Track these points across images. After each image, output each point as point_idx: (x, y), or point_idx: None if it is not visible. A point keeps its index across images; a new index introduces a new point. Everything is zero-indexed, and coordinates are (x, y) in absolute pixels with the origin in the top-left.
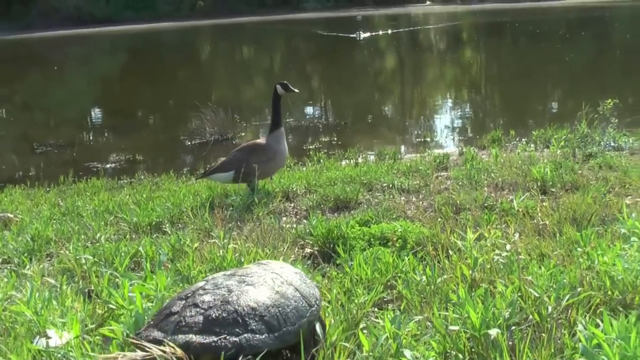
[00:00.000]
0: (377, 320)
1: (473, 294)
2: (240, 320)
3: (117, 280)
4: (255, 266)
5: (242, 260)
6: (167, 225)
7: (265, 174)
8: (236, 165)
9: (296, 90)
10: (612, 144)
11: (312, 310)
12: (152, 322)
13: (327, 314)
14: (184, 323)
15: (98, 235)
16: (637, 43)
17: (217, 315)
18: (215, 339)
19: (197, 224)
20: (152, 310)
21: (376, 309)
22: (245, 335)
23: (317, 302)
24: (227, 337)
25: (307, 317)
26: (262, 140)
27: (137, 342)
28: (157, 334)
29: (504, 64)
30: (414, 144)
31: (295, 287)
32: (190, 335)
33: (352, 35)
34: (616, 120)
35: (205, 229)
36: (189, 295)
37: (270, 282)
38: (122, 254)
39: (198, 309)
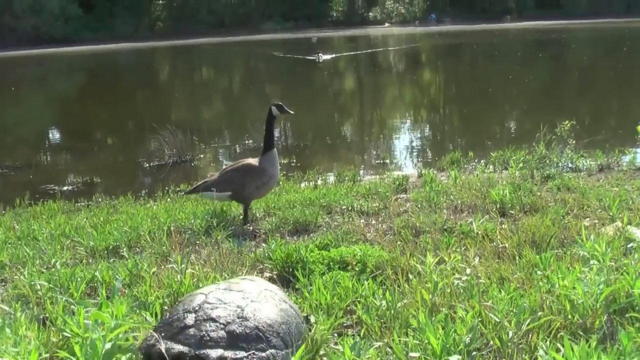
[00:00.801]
0: (336, 347)
1: (433, 319)
2: (263, 337)
3: (72, 307)
4: (243, 282)
5: (200, 285)
6: (125, 249)
7: (258, 195)
8: (232, 186)
9: (291, 112)
10: (570, 165)
11: (304, 327)
12: (163, 334)
13: None
14: (208, 337)
15: (54, 260)
16: (593, 65)
17: (240, 331)
18: (246, 354)
19: (154, 248)
20: (107, 337)
21: (336, 335)
22: (271, 351)
23: (303, 319)
24: (256, 353)
25: (303, 334)
26: (254, 161)
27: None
28: (181, 348)
29: (462, 86)
30: (374, 166)
31: (289, 304)
32: (220, 351)
33: (311, 58)
34: (573, 142)
35: (163, 253)
36: (197, 308)
37: (270, 299)
38: (78, 280)
39: (217, 324)
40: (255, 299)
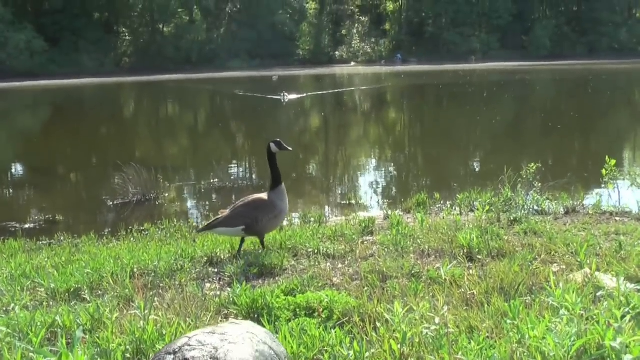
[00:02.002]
0: None
1: None
2: None
3: (31, 355)
4: (229, 325)
5: (164, 332)
6: (87, 291)
7: (271, 229)
8: (244, 221)
9: (290, 149)
10: (536, 207)
11: None
12: None
13: None
14: None
15: (13, 304)
16: (558, 106)
17: None
18: None
19: (117, 291)
20: None
21: None
22: None
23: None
24: None
25: None
26: (264, 195)
27: None
28: None
29: (428, 126)
30: (340, 206)
31: (269, 345)
32: None
33: (276, 97)
34: (539, 184)
35: (126, 296)
36: (177, 350)
37: (248, 340)
38: (38, 325)
39: None
40: (233, 341)
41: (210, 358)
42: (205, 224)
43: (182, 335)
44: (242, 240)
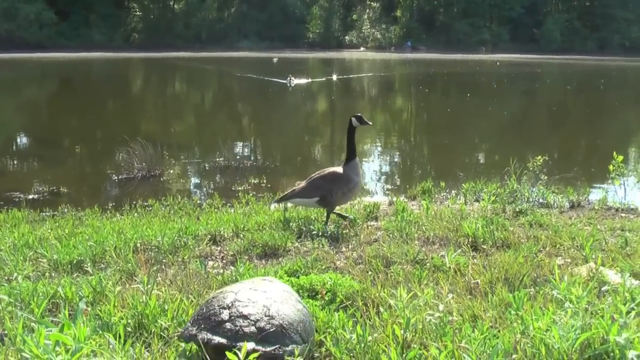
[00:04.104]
0: None
1: (405, 356)
2: (286, 334)
3: (33, 324)
4: (264, 282)
5: (166, 307)
6: (89, 264)
7: (344, 201)
8: (320, 192)
9: (370, 123)
10: (541, 200)
11: (313, 325)
12: (202, 326)
13: None
14: (242, 332)
15: (15, 273)
16: (568, 101)
17: (268, 328)
18: (273, 348)
19: (120, 265)
20: None
21: None
22: (292, 346)
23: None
24: (281, 347)
25: (314, 331)
26: (339, 168)
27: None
28: (220, 339)
29: (436, 115)
30: None
31: (302, 305)
32: (252, 344)
33: (282, 81)
34: (545, 177)
35: (129, 270)
36: (230, 305)
37: (288, 300)
38: (40, 296)
39: (249, 321)
40: (277, 300)
41: (265, 315)
42: (281, 195)
43: (225, 289)
44: (328, 214)
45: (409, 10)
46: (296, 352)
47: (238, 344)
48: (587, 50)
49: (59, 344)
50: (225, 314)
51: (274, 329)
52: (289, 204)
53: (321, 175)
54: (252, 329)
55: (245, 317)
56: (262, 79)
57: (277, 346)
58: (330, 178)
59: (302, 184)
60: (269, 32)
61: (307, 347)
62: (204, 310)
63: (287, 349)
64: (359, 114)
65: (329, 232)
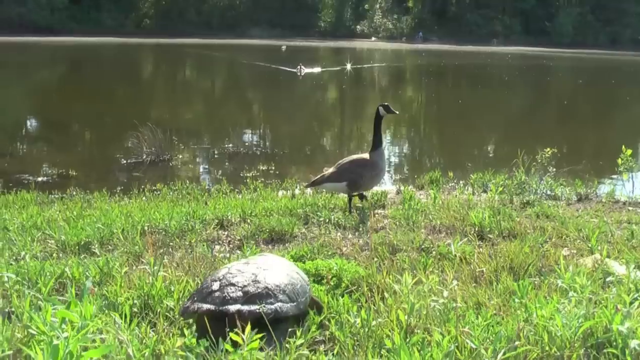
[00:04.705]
0: None
1: (408, 341)
2: (271, 294)
3: (40, 303)
4: (260, 257)
5: (172, 289)
6: (97, 246)
7: (371, 186)
8: (349, 177)
9: (397, 112)
10: (549, 192)
11: (309, 288)
12: (196, 299)
13: None
14: (229, 297)
15: (23, 252)
16: (579, 94)
17: (253, 290)
18: (257, 307)
19: (127, 247)
20: (74, 337)
21: (307, 351)
22: (278, 304)
23: (308, 283)
24: (266, 306)
25: (308, 293)
26: (365, 155)
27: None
28: (208, 306)
29: (446, 106)
30: None
31: (296, 271)
32: (238, 306)
33: (292, 70)
34: (554, 170)
35: (136, 252)
36: (221, 277)
37: (279, 266)
38: (47, 275)
39: (236, 287)
40: (267, 268)
41: (252, 281)
42: (312, 180)
43: (221, 267)
44: (350, 198)
45: (421, 1)
46: (283, 310)
47: (224, 308)
48: (598, 44)
49: (65, 321)
50: (215, 285)
51: (259, 290)
52: (322, 189)
53: (350, 161)
54: (239, 293)
55: (233, 284)
56: (271, 67)
57: (262, 304)
58: (358, 163)
59: (331, 169)
60: (281, 20)
61: (296, 306)
62: (200, 286)
63: (271, 307)
64: (386, 104)
65: (336, 220)
